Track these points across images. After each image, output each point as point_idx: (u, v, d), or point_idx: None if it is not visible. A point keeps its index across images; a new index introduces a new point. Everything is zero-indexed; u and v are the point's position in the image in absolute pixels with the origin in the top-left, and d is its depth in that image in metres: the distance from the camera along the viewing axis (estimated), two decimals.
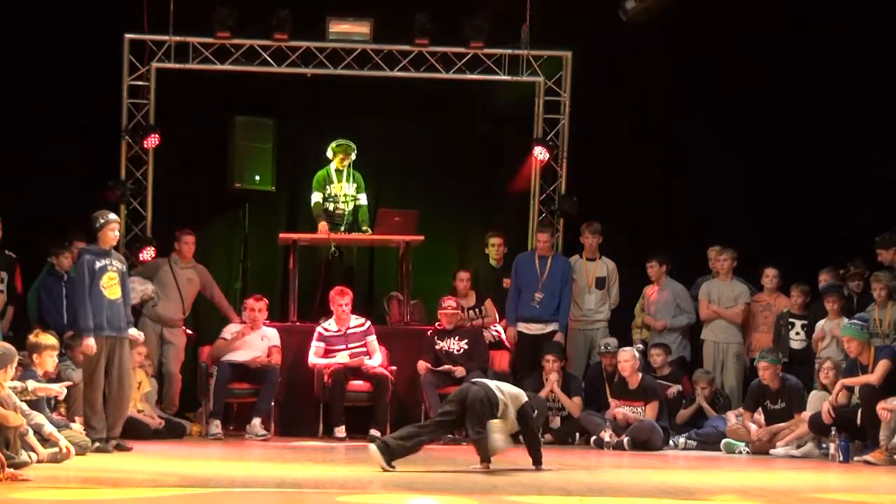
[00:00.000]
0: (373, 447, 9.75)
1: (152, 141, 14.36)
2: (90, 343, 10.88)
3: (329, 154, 14.13)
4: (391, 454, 9.66)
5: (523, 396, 10.03)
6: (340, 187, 14.14)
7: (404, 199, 14.85)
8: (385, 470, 9.54)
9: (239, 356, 13.23)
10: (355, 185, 14.17)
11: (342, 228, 14.06)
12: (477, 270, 14.29)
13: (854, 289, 13.02)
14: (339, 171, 14.13)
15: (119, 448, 11.07)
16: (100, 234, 11.10)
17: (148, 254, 14.15)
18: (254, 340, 13.38)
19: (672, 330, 13.89)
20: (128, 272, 11.59)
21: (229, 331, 13.48)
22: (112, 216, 11.30)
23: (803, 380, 12.74)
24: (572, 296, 13.95)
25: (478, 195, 15.15)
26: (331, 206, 14.13)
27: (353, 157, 14.12)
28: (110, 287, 11.01)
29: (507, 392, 9.93)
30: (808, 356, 13.06)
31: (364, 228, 14.06)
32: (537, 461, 10.02)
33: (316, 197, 14.12)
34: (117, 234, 11.33)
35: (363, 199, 14.20)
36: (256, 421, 12.94)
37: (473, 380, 10.43)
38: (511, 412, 9.83)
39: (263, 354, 13.28)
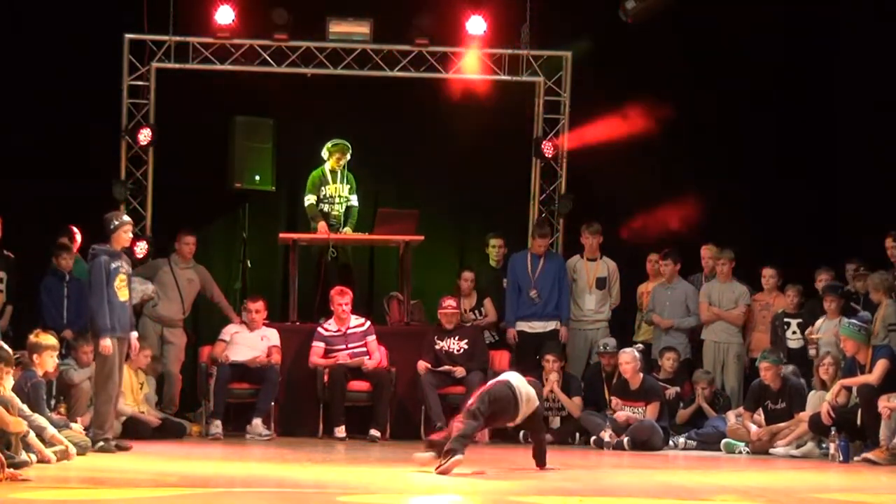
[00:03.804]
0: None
1: (145, 136, 14.34)
2: (108, 344, 10.89)
3: (324, 154, 14.11)
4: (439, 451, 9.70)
5: (536, 401, 10.07)
6: (335, 188, 14.13)
7: (404, 199, 14.86)
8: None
9: (239, 356, 13.24)
10: (349, 187, 14.17)
11: (337, 230, 14.04)
12: (477, 272, 14.30)
13: (860, 289, 13.00)
14: (333, 172, 14.12)
15: (119, 447, 11.08)
16: (113, 236, 11.09)
17: (141, 248, 14.10)
18: (254, 340, 13.37)
19: (678, 330, 13.88)
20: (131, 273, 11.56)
21: (228, 332, 13.47)
22: (126, 218, 11.31)
23: (804, 379, 12.74)
24: (572, 295, 13.97)
25: (478, 195, 15.15)
26: (326, 208, 14.12)
27: (349, 156, 14.12)
28: (121, 289, 11.03)
29: (525, 394, 9.97)
30: (806, 355, 13.07)
31: (348, 230, 14.05)
32: (542, 462, 10.05)
33: (310, 199, 14.10)
34: (131, 235, 11.35)
35: (354, 201, 14.19)
36: (258, 421, 12.94)
37: (501, 379, 10.28)
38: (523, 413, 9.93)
39: (263, 354, 13.28)
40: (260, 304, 13.46)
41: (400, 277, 14.28)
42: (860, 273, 12.99)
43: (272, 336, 13.42)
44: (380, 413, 13.18)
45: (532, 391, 10.02)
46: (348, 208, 14.17)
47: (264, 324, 13.48)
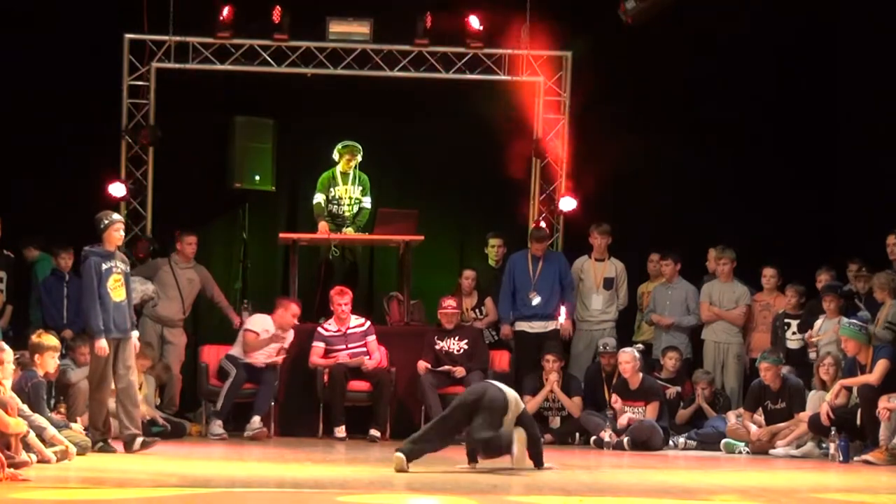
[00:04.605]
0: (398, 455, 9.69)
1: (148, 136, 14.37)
2: (102, 345, 10.85)
3: (335, 156, 14.11)
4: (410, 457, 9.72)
5: (521, 403, 10.10)
6: (346, 190, 14.12)
7: (404, 199, 14.86)
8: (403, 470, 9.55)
9: (259, 355, 13.20)
10: (360, 188, 14.14)
11: (345, 231, 14.04)
12: (477, 272, 14.29)
13: (861, 289, 13.00)
14: (344, 174, 14.11)
15: (145, 445, 11.03)
16: (105, 235, 11.05)
17: (143, 249, 14.11)
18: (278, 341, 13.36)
19: (678, 329, 13.88)
20: (129, 273, 11.52)
21: (259, 325, 13.28)
22: (116, 216, 11.30)
23: (802, 379, 12.74)
24: (579, 295, 13.97)
25: (478, 195, 15.15)
26: (335, 209, 14.11)
27: (360, 158, 14.11)
28: (116, 289, 10.99)
29: (513, 397, 9.99)
30: (806, 356, 13.07)
31: (350, 230, 14.02)
32: (539, 463, 10.06)
33: (318, 198, 14.10)
34: (122, 234, 11.33)
35: (367, 202, 14.16)
36: (256, 419, 12.94)
37: (488, 381, 10.36)
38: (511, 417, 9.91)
39: (275, 353, 13.29)
40: (298, 312, 13.37)
41: (400, 277, 14.29)
42: (861, 274, 12.98)
43: (289, 336, 13.40)
44: (380, 413, 13.17)
45: (515, 395, 10.06)
46: (360, 209, 14.15)
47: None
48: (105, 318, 10.90)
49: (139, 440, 11.01)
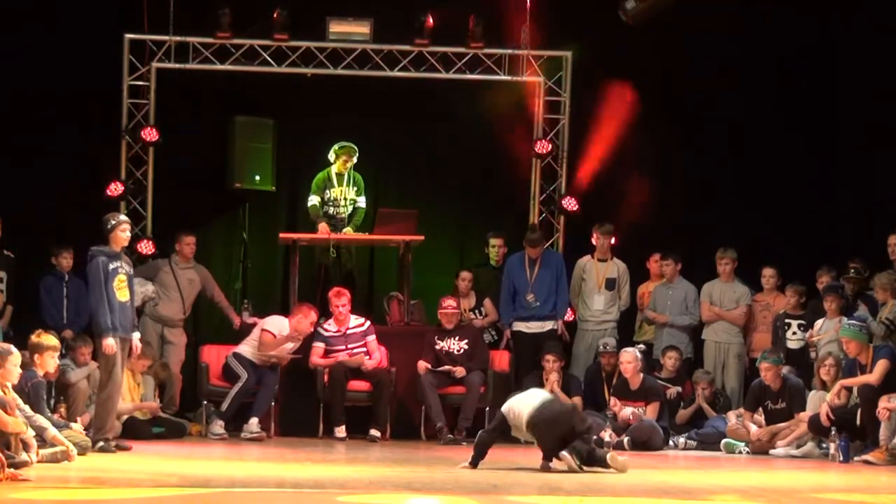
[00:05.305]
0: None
1: (151, 133, 14.34)
2: (110, 343, 10.87)
3: (331, 157, 14.10)
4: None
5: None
6: (341, 191, 14.11)
7: (404, 199, 14.86)
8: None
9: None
10: (356, 188, 14.15)
11: (340, 232, 14.02)
12: (477, 271, 14.30)
13: (850, 291, 12.99)
14: (339, 175, 14.10)
15: (119, 447, 11.07)
16: (111, 236, 11.06)
17: (146, 247, 14.10)
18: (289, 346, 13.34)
19: (678, 329, 13.87)
20: (133, 275, 11.51)
21: (276, 326, 13.25)
22: (123, 217, 11.33)
23: (802, 379, 12.74)
24: (581, 295, 13.97)
25: (478, 195, 15.15)
26: (331, 210, 14.11)
27: (356, 159, 14.10)
28: (121, 289, 11.01)
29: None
30: (806, 356, 13.07)
31: (350, 230, 14.00)
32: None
33: (313, 200, 14.09)
34: (128, 234, 11.32)
35: (362, 202, 14.17)
36: (254, 420, 12.93)
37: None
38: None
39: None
40: (315, 319, 13.36)
41: (400, 277, 14.29)
42: (850, 276, 12.98)
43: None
44: (380, 413, 13.17)
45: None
46: (355, 209, 14.15)
47: None
48: (112, 317, 10.92)
49: (99, 444, 10.97)
